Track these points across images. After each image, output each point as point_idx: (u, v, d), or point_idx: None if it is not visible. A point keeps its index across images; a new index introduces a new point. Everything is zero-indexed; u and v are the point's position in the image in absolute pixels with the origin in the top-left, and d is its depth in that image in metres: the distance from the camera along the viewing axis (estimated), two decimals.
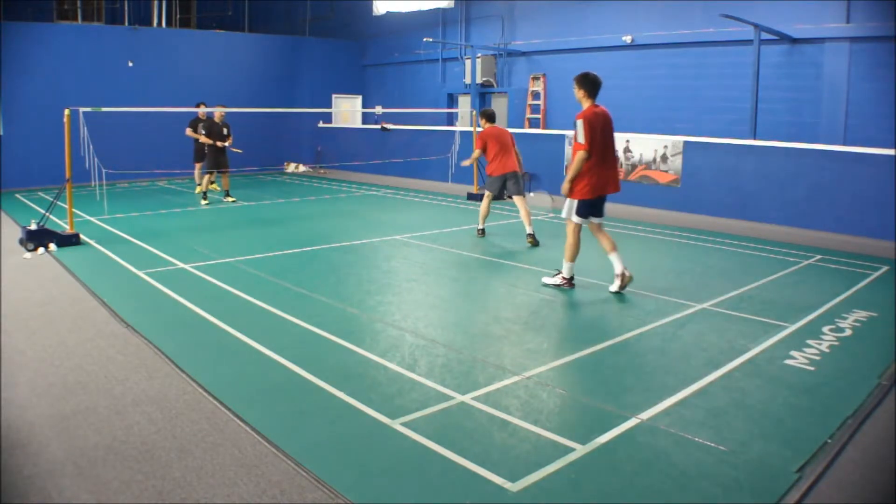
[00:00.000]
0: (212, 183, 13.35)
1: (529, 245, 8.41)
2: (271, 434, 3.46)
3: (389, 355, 4.62)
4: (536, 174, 13.95)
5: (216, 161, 12.20)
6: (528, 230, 8.49)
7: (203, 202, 12.17)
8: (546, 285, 6.52)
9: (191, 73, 17.22)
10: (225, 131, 12.26)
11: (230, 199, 12.56)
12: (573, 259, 6.38)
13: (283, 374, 4.29)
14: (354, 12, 19.88)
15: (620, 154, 12.48)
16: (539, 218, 10.43)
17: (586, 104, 6.12)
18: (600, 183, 6.10)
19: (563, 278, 6.46)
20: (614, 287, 6.24)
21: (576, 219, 6.21)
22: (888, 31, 10.55)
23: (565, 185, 6.16)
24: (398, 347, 4.81)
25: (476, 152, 9.24)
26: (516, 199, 8.76)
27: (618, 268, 6.21)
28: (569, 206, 6.24)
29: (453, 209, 11.92)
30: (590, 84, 6.10)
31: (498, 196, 8.94)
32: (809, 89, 11.67)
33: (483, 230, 9.27)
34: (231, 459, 3.23)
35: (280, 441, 3.39)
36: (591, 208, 6.19)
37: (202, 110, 12.68)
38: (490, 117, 9.06)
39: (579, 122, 5.95)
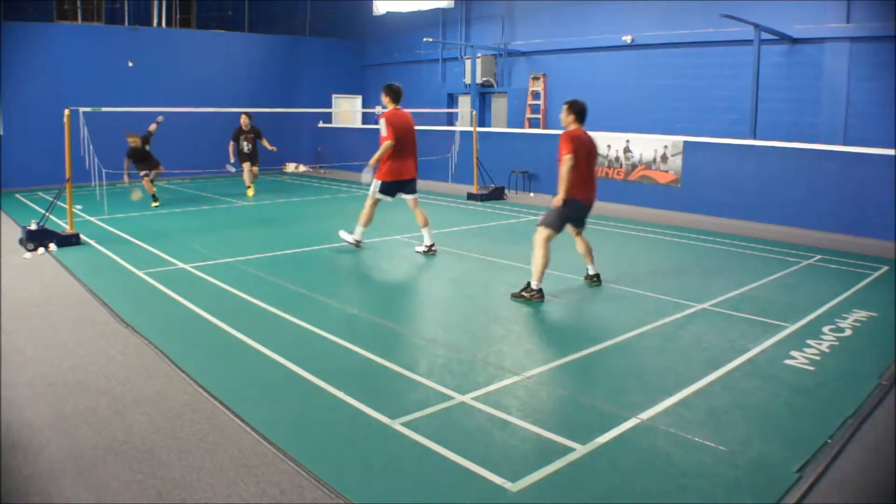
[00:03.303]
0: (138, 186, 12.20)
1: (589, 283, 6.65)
2: (271, 434, 3.46)
3: (389, 355, 4.62)
4: (537, 174, 13.95)
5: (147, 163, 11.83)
6: (591, 271, 6.62)
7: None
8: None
9: (191, 73, 17.22)
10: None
11: (156, 203, 11.82)
12: (366, 225, 7.98)
13: (284, 374, 4.29)
14: (354, 12, 19.87)
15: (620, 154, 12.51)
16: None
17: (390, 107, 7.67)
18: (398, 169, 7.65)
19: (355, 239, 8.02)
20: (420, 248, 7.94)
21: (378, 195, 7.77)
22: (888, 31, 10.55)
23: (372, 161, 7.61)
24: (398, 347, 4.81)
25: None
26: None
27: (427, 240, 7.89)
28: (374, 185, 7.77)
29: (453, 209, 11.91)
30: (392, 92, 7.70)
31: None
32: (809, 89, 11.66)
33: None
34: (231, 459, 3.23)
35: (280, 441, 3.39)
36: (394, 188, 7.74)
37: (245, 119, 12.73)
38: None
39: (382, 121, 7.56)
